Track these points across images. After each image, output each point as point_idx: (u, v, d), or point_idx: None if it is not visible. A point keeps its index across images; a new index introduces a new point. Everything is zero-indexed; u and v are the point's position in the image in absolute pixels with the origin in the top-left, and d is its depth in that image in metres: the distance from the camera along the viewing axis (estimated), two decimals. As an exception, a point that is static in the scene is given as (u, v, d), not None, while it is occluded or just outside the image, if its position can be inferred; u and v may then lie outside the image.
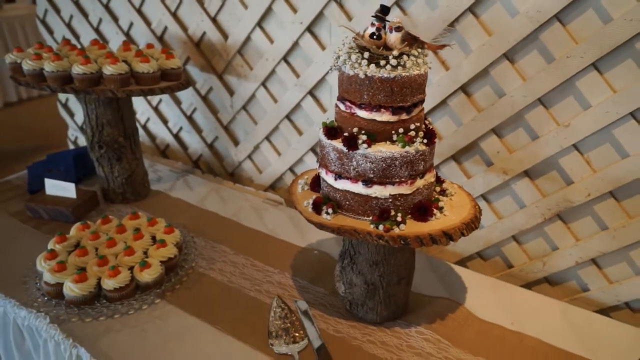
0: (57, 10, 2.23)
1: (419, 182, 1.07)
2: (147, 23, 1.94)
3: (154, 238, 1.47)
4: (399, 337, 1.21)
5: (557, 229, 1.35)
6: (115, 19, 2.04)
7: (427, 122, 1.14)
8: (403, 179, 1.05)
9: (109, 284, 1.28)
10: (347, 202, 1.09)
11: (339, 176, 1.08)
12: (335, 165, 1.08)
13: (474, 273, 1.42)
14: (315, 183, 1.21)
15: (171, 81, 1.63)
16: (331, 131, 1.08)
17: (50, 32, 2.33)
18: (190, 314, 1.28)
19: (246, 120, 1.86)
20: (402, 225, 1.04)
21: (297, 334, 1.20)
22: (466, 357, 1.15)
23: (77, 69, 1.52)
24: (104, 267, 1.33)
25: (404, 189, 1.06)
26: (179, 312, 1.29)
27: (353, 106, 1.04)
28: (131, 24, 2.00)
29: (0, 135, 4.90)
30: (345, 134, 1.05)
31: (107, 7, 2.04)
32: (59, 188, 1.71)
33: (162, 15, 1.87)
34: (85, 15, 2.13)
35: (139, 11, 1.95)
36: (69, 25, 2.23)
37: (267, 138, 1.84)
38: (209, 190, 1.89)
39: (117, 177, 1.73)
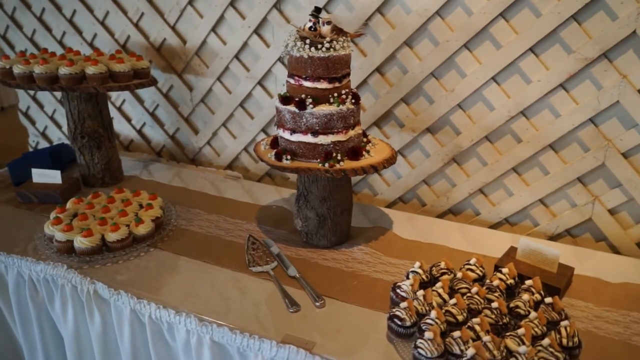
0: (20, 27, 2.47)
1: (351, 132, 1.50)
2: (111, 34, 2.25)
3: (140, 205, 1.79)
4: (345, 254, 1.61)
5: (454, 170, 1.82)
6: (79, 31, 2.33)
7: (354, 90, 1.56)
8: (340, 130, 1.47)
9: (112, 236, 1.59)
10: (301, 150, 1.49)
11: (293, 131, 1.48)
12: (290, 124, 1.48)
13: (398, 211, 1.86)
14: (274, 142, 1.59)
15: (142, 79, 1.97)
16: (285, 99, 1.48)
17: (12, 46, 2.56)
18: (181, 255, 1.62)
19: (205, 111, 2.22)
20: (341, 163, 1.46)
21: (268, 259, 1.58)
22: (394, 261, 1.57)
23: (64, 70, 1.82)
24: (105, 225, 1.63)
25: (341, 137, 1.47)
26: (170, 255, 1.62)
27: (300, 79, 1.45)
28: (95, 35, 2.30)
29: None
30: (296, 99, 1.45)
31: (70, 22, 2.33)
32: (45, 176, 1.97)
33: (125, 26, 2.20)
34: (49, 30, 2.40)
35: (103, 23, 2.25)
36: (31, 40, 2.47)
37: (224, 125, 2.20)
38: (176, 172, 2.22)
39: (97, 163, 2.03)
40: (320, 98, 1.45)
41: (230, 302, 1.40)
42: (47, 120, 2.66)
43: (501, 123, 1.67)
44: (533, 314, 1.21)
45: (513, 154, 1.69)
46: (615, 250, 1.67)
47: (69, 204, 1.78)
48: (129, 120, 2.42)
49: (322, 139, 1.46)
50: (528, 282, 1.32)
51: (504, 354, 1.12)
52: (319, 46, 1.40)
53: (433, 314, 1.20)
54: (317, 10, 1.44)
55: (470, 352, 1.09)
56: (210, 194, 2.03)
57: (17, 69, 1.83)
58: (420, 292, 1.28)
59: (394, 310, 1.24)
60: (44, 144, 2.73)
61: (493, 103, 1.67)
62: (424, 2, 1.63)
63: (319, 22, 1.43)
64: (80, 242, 1.57)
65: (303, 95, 1.44)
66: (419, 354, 1.13)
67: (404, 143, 1.85)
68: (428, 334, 1.13)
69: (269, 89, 2.04)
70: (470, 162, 1.79)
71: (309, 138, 1.46)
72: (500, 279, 1.35)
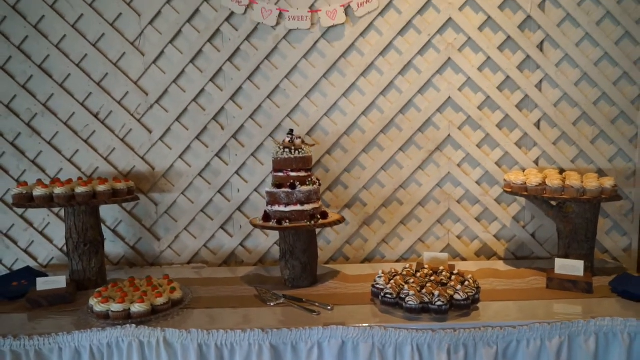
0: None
1: (320, 202, 2.39)
2: (78, 168, 2.74)
3: (159, 285, 2.27)
4: (323, 287, 2.39)
5: (365, 230, 2.80)
6: (42, 169, 2.74)
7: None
8: (315, 201, 2.35)
9: (159, 300, 2.08)
10: (293, 216, 2.30)
11: (287, 204, 2.30)
12: (284, 200, 2.30)
13: (333, 265, 2.72)
14: (266, 217, 2.36)
15: (131, 195, 2.53)
16: (278, 185, 2.32)
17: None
18: (211, 307, 2.17)
19: (168, 220, 2.80)
20: (320, 220, 2.32)
21: (276, 297, 2.25)
22: (356, 284, 2.41)
23: (80, 189, 2.31)
24: (148, 296, 2.10)
25: (316, 205, 2.35)
26: (204, 310, 2.16)
27: (287, 171, 2.32)
28: (60, 170, 2.74)
29: None
30: (288, 184, 2.30)
31: (34, 162, 2.73)
32: (50, 282, 2.28)
33: (95, 160, 2.73)
34: (5, 171, 2.73)
35: (70, 161, 2.74)
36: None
37: (186, 229, 2.81)
38: (145, 270, 2.69)
39: (94, 267, 2.42)
40: (301, 182, 2.32)
41: (269, 321, 2.04)
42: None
43: (390, 194, 2.76)
44: (453, 278, 2.19)
45: (399, 213, 2.77)
46: (464, 259, 2.81)
47: (102, 292, 2.16)
48: (87, 240, 2.80)
49: (307, 207, 2.31)
50: (441, 268, 2.32)
51: (448, 297, 2.05)
52: (300, 151, 2.32)
53: (406, 287, 2.08)
54: (291, 132, 2.39)
55: (437, 293, 2.00)
56: (190, 277, 2.58)
57: (39, 192, 2.25)
58: (391, 282, 2.16)
59: (384, 291, 2.08)
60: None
61: (384, 183, 2.76)
62: (336, 127, 2.71)
63: (293, 137, 2.37)
64: (138, 306, 2.02)
65: (292, 181, 2.31)
66: (410, 304, 1.99)
67: (331, 217, 2.78)
68: (412, 292, 2.01)
69: (227, 196, 2.78)
70: (375, 223, 2.80)
71: (298, 207, 2.30)
72: (426, 271, 2.32)
